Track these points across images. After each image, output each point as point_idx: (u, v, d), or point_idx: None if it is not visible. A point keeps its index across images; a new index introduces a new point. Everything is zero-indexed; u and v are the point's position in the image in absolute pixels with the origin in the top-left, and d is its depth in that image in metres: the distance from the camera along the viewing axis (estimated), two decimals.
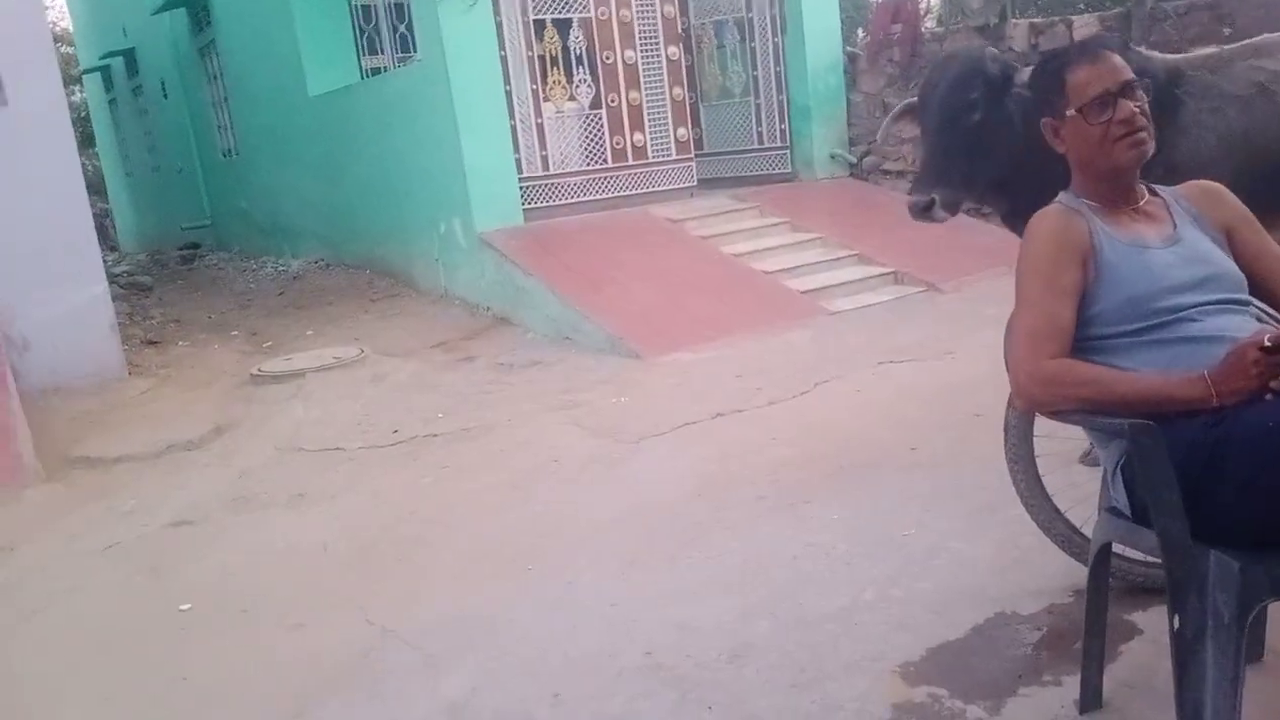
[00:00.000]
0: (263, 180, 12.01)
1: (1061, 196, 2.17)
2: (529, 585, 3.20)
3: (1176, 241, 2.06)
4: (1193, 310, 1.99)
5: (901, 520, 3.30)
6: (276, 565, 3.66)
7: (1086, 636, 2.21)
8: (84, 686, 2.94)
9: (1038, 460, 2.73)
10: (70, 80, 16.01)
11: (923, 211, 3.22)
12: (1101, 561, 2.17)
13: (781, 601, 2.85)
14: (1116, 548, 2.17)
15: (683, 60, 9.07)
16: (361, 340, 7.17)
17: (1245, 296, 2.05)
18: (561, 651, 2.74)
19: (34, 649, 3.25)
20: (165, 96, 14.71)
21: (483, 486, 4.22)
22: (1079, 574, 2.51)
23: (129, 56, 15.74)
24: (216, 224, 14.14)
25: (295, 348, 7.25)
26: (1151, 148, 2.08)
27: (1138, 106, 2.06)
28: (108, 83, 17.39)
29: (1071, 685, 2.23)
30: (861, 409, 4.59)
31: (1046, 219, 2.09)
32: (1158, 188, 2.19)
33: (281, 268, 11.13)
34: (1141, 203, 2.13)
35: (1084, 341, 2.01)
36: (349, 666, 2.81)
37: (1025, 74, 3.09)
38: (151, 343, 7.99)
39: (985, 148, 3.21)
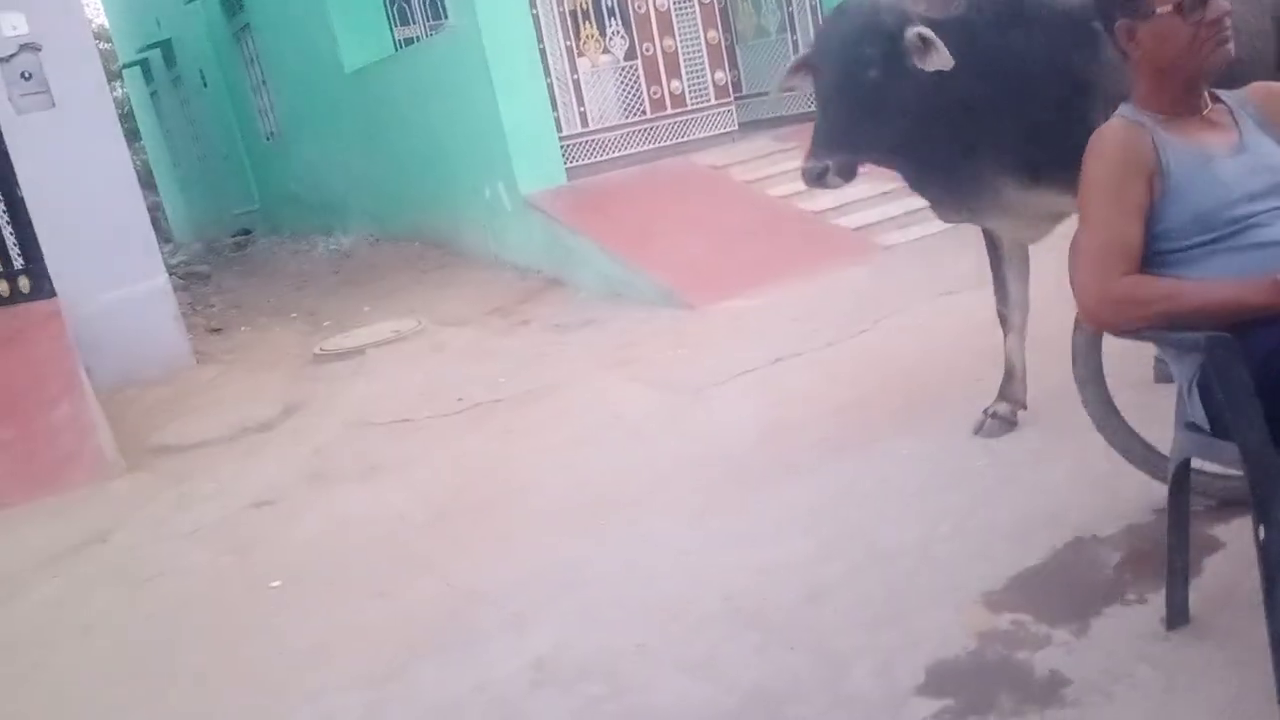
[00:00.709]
0: (307, 160, 12.12)
1: (1122, 109, 2.12)
2: (604, 539, 3.25)
3: (1243, 150, 2.01)
4: (1263, 215, 1.94)
5: (972, 451, 3.28)
6: (357, 537, 3.75)
7: (1170, 553, 2.20)
8: (188, 655, 3.07)
9: (1107, 381, 2.69)
10: (111, 76, 16.21)
11: (816, 179, 2.97)
12: (1181, 477, 2.15)
13: (855, 540, 2.87)
14: (1196, 462, 2.15)
15: (715, 2, 8.95)
16: (418, 312, 7.25)
17: None
18: (640, 601, 2.79)
19: (138, 626, 3.38)
20: (205, 85, 14.86)
21: (549, 446, 4.28)
22: (1158, 493, 2.48)
23: (166, 48, 15.91)
24: (265, 207, 14.32)
25: (354, 324, 7.35)
26: (1234, 51, 2.02)
27: (1226, 6, 1.99)
28: (147, 75, 17.60)
29: (1156, 603, 2.22)
30: (923, 343, 4.55)
31: (1109, 134, 2.05)
32: (1221, 93, 2.13)
33: (333, 246, 11.25)
34: (1206, 111, 2.07)
35: (1153, 255, 1.98)
36: (438, 628, 2.88)
37: (916, 29, 2.87)
38: (215, 330, 8.15)
39: (884, 109, 2.95)
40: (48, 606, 3.71)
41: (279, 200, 13.62)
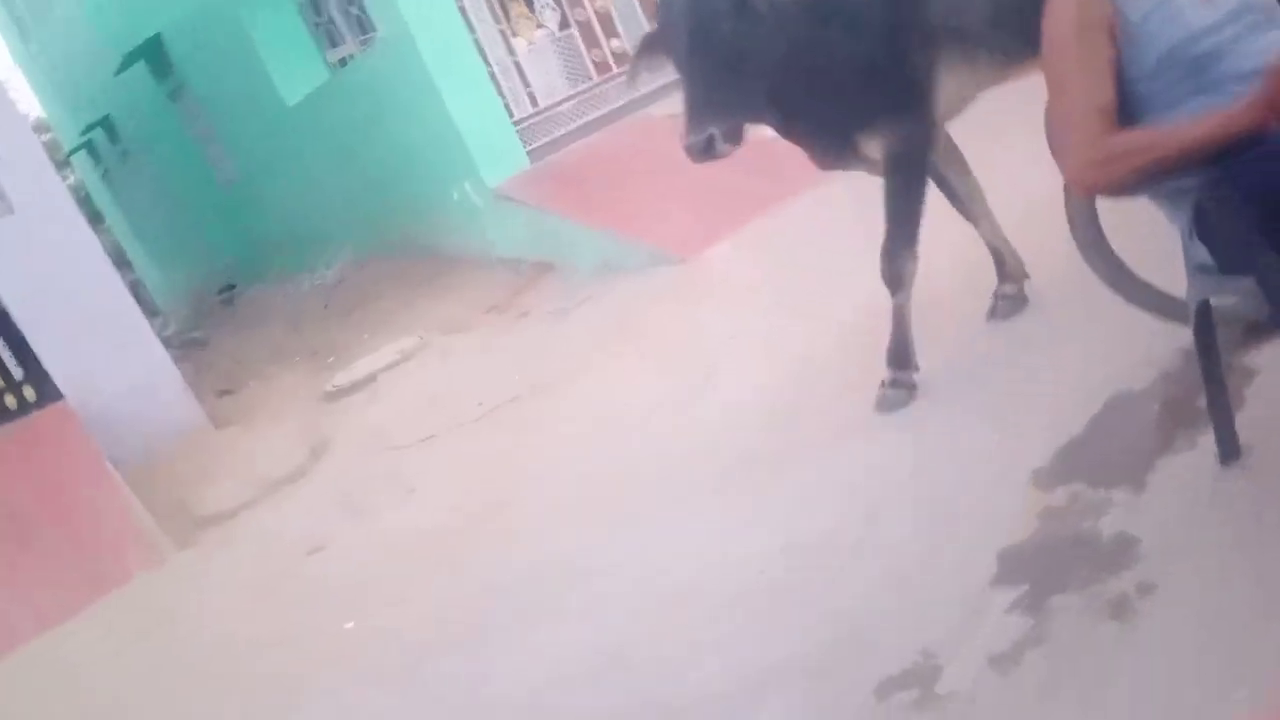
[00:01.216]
0: (272, 201, 12.06)
1: None
2: (633, 527, 3.25)
3: None
4: (1226, 44, 1.93)
5: (989, 339, 3.27)
6: (409, 564, 3.78)
7: (1208, 392, 2.21)
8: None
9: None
10: (59, 165, 16.14)
11: (704, 152, 2.87)
12: (1203, 317, 2.15)
13: (895, 489, 2.80)
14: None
15: None
16: (417, 327, 7.25)
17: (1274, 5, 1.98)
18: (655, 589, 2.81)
19: (227, 699, 3.44)
20: (152, 151, 14.78)
21: (569, 439, 4.28)
22: (1182, 337, 2.48)
23: (107, 125, 15.80)
24: (242, 257, 14.27)
25: (357, 354, 7.36)
26: None
27: None
28: (95, 156, 17.50)
29: (1206, 444, 2.23)
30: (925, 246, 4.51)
31: None
32: None
33: (318, 281, 11.23)
34: None
35: (1127, 106, 1.97)
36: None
37: None
38: (225, 392, 8.17)
39: (747, 61, 2.88)
40: (135, 695, 3.77)
41: (254, 247, 13.57)
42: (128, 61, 12.65)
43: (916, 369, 3.20)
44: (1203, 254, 2.05)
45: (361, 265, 10.63)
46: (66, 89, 16.62)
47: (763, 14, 2.82)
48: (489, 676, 2.77)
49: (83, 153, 17.64)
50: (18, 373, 6.43)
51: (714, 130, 2.84)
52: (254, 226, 13.15)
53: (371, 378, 6.50)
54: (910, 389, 3.18)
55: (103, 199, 18.92)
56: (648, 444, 3.94)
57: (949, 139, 3.36)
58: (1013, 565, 2.21)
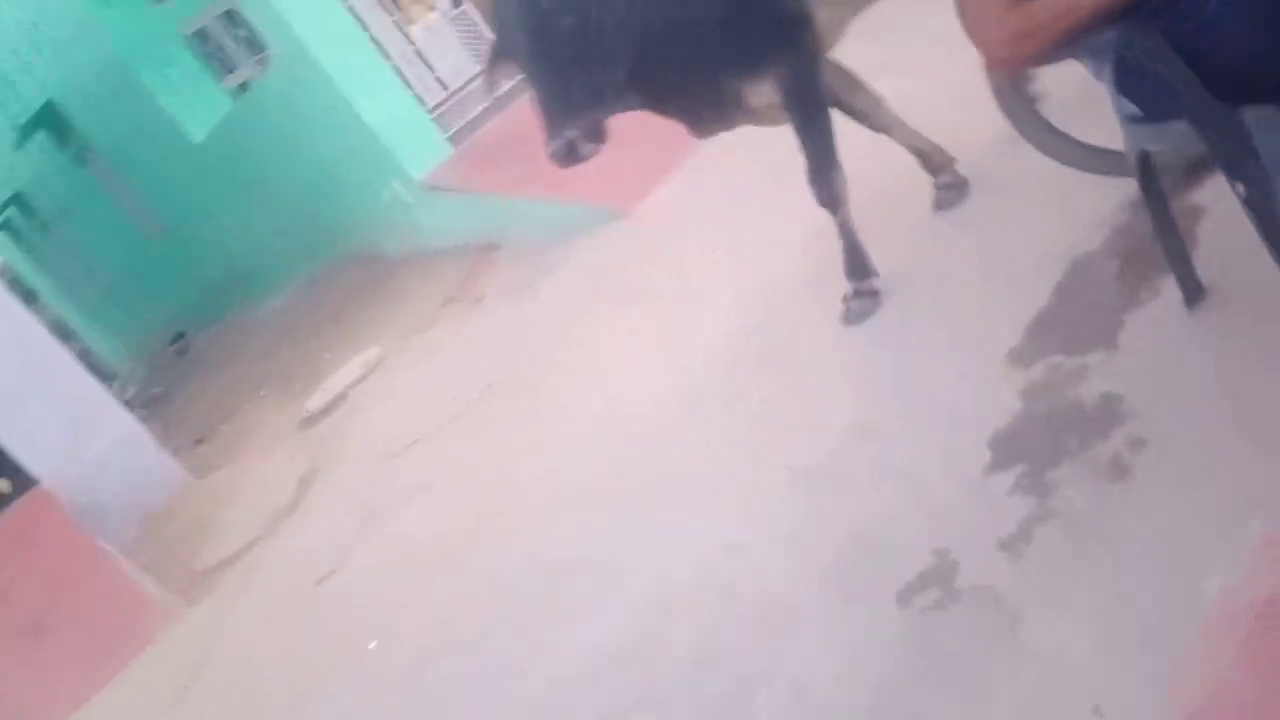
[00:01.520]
0: (203, 242, 11.87)
1: None
2: (634, 518, 3.19)
3: None
4: None
5: (936, 231, 3.26)
6: (423, 572, 3.76)
7: (1161, 239, 2.23)
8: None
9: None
10: None
11: (568, 156, 2.77)
12: (1144, 167, 2.16)
13: (878, 397, 2.81)
14: None
15: None
16: (377, 336, 7.18)
17: None
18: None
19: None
20: (71, 218, 14.47)
21: (550, 421, 4.22)
22: (1125, 189, 2.50)
23: (19, 202, 15.45)
24: (186, 304, 14.06)
25: (323, 376, 7.28)
26: None
27: None
28: (15, 235, 17.12)
29: (1169, 289, 2.25)
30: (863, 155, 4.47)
31: None
32: None
33: (266, 310, 11.10)
34: None
35: None
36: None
37: None
38: (199, 441, 8.09)
39: (594, 51, 2.76)
40: None
41: (196, 291, 13.37)
42: (25, 133, 12.35)
43: (876, 275, 3.19)
44: (1130, 106, 2.05)
45: (307, 286, 10.50)
46: None
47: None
48: (516, 674, 2.78)
49: (2, 234, 17.26)
50: None
51: (571, 133, 2.73)
52: (191, 271, 12.95)
53: (343, 395, 6.45)
54: (874, 296, 3.17)
55: (33, 276, 18.54)
56: (634, 403, 3.89)
57: (830, 62, 3.29)
58: (1005, 449, 2.23)
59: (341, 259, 9.70)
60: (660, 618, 2.61)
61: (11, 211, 16.04)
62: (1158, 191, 2.20)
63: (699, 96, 3.07)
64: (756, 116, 3.16)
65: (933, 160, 3.38)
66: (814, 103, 3.07)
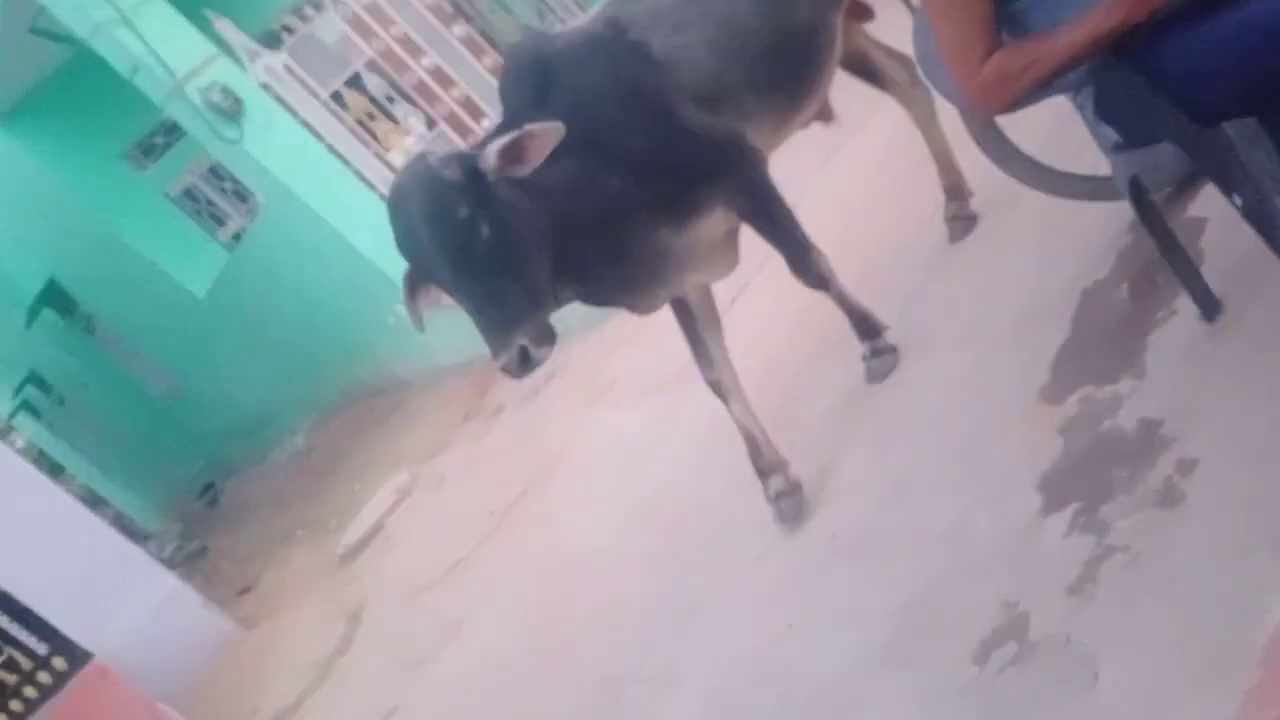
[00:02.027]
0: (215, 394, 11.98)
1: None
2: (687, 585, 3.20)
3: None
4: None
5: (952, 297, 3.24)
6: (482, 708, 3.72)
7: (1168, 258, 2.23)
8: None
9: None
10: (3, 434, 15.96)
11: (521, 366, 2.62)
12: (1136, 191, 2.18)
13: (914, 454, 2.77)
14: None
15: (473, 30, 8.89)
16: (403, 462, 7.19)
17: None
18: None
19: None
20: (86, 388, 14.65)
21: (591, 516, 4.21)
22: (1121, 211, 2.51)
23: (35, 380, 15.65)
24: (209, 456, 14.14)
25: (356, 508, 7.28)
26: None
27: None
28: (34, 412, 17.30)
29: (1186, 306, 2.24)
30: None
31: None
32: None
33: (289, 449, 11.15)
34: None
35: (1006, 18, 1.95)
36: None
37: (489, 145, 2.63)
38: (244, 590, 8.06)
39: (521, 250, 2.64)
40: None
41: (217, 442, 13.45)
42: (33, 313, 12.60)
43: (887, 328, 3.18)
44: (1113, 134, 2.08)
45: (326, 422, 10.57)
46: None
47: (513, 196, 2.62)
48: None
49: (21, 414, 17.44)
50: (41, 649, 6.34)
51: (522, 341, 2.59)
52: (209, 422, 13.05)
53: (379, 526, 6.44)
54: (892, 351, 3.14)
55: (56, 450, 18.69)
56: (665, 494, 3.88)
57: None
58: (1054, 489, 2.21)
59: (354, 391, 9.77)
60: (726, 714, 2.57)
61: (29, 390, 16.23)
62: (1155, 213, 2.21)
63: (635, 265, 2.93)
64: (700, 263, 3.04)
65: (764, 455, 3.09)
66: (771, 202, 3.03)
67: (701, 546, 3.26)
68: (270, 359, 10.39)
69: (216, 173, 9.65)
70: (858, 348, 3.17)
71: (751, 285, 4.18)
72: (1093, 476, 2.14)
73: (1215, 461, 1.96)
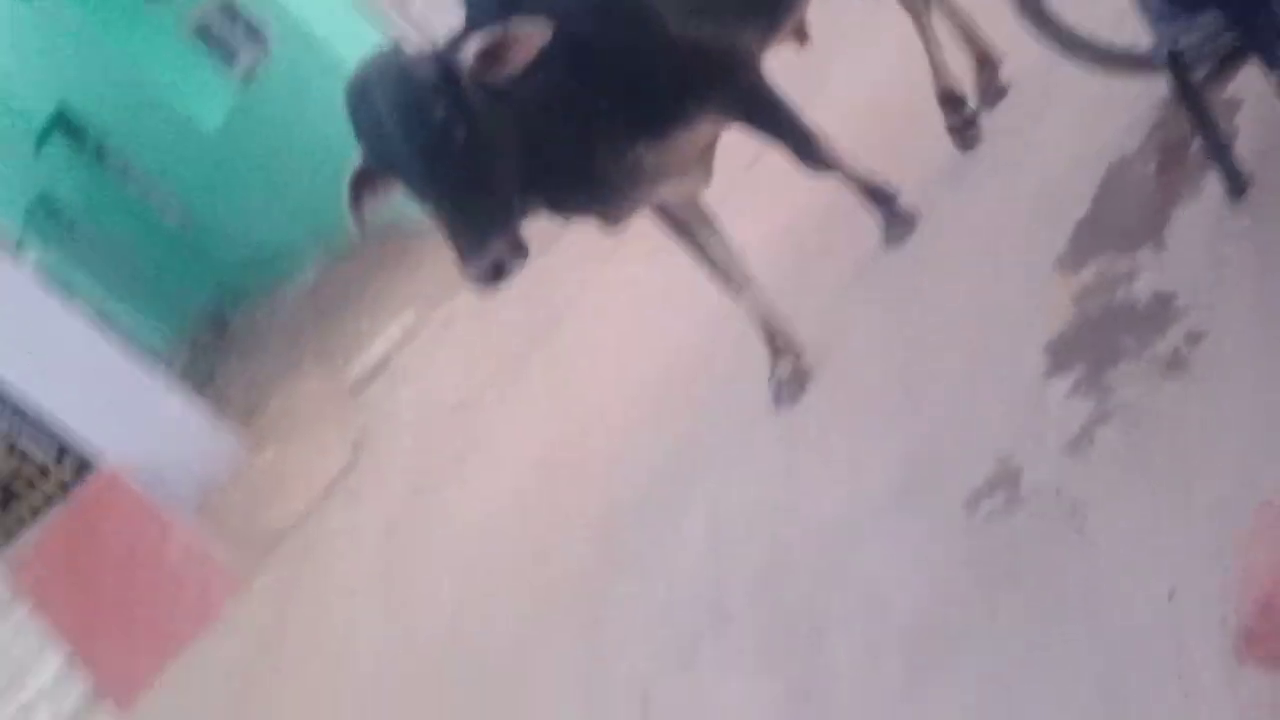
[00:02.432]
0: (225, 228, 11.97)
1: None
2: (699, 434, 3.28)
3: None
4: None
5: (980, 165, 3.21)
6: (492, 529, 3.87)
7: (1200, 133, 2.24)
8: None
9: None
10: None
11: (495, 275, 2.46)
12: (1177, 65, 2.17)
13: (926, 313, 2.81)
14: None
15: None
16: (410, 301, 7.25)
17: None
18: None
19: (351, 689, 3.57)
20: (97, 216, 14.61)
21: (600, 365, 4.29)
22: (1156, 87, 2.49)
23: (44, 204, 15.59)
24: (219, 289, 14.20)
25: (366, 342, 7.38)
26: None
27: None
28: (44, 237, 17.30)
29: (1212, 183, 2.26)
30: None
31: None
32: None
33: (298, 286, 11.20)
34: None
35: None
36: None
37: (466, 45, 2.47)
38: (249, 415, 8.24)
39: (491, 159, 2.50)
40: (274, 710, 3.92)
41: (227, 274, 13.50)
42: (43, 137, 12.51)
43: (899, 194, 3.08)
44: (1159, 2, 2.07)
45: (336, 260, 10.58)
46: None
47: (482, 105, 2.48)
48: (589, 625, 2.87)
49: (32, 236, 17.43)
50: (52, 455, 6.54)
51: (499, 248, 2.44)
52: (220, 254, 13.08)
53: (385, 361, 6.55)
54: (908, 218, 3.06)
55: (67, 273, 18.73)
56: (677, 336, 3.92)
57: None
58: (1061, 353, 2.27)
59: (372, 224, 9.73)
60: (726, 542, 2.70)
61: (36, 213, 16.20)
62: (1193, 89, 2.21)
63: (608, 180, 2.81)
64: (675, 177, 2.93)
65: (780, 346, 3.07)
66: (771, 103, 2.93)
67: (710, 397, 3.35)
68: (282, 195, 10.35)
69: (230, 9, 9.45)
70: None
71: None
72: (1100, 342, 2.20)
73: (1223, 334, 2.02)
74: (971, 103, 3.28)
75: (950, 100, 3.27)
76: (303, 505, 5.61)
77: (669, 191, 2.98)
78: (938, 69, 3.28)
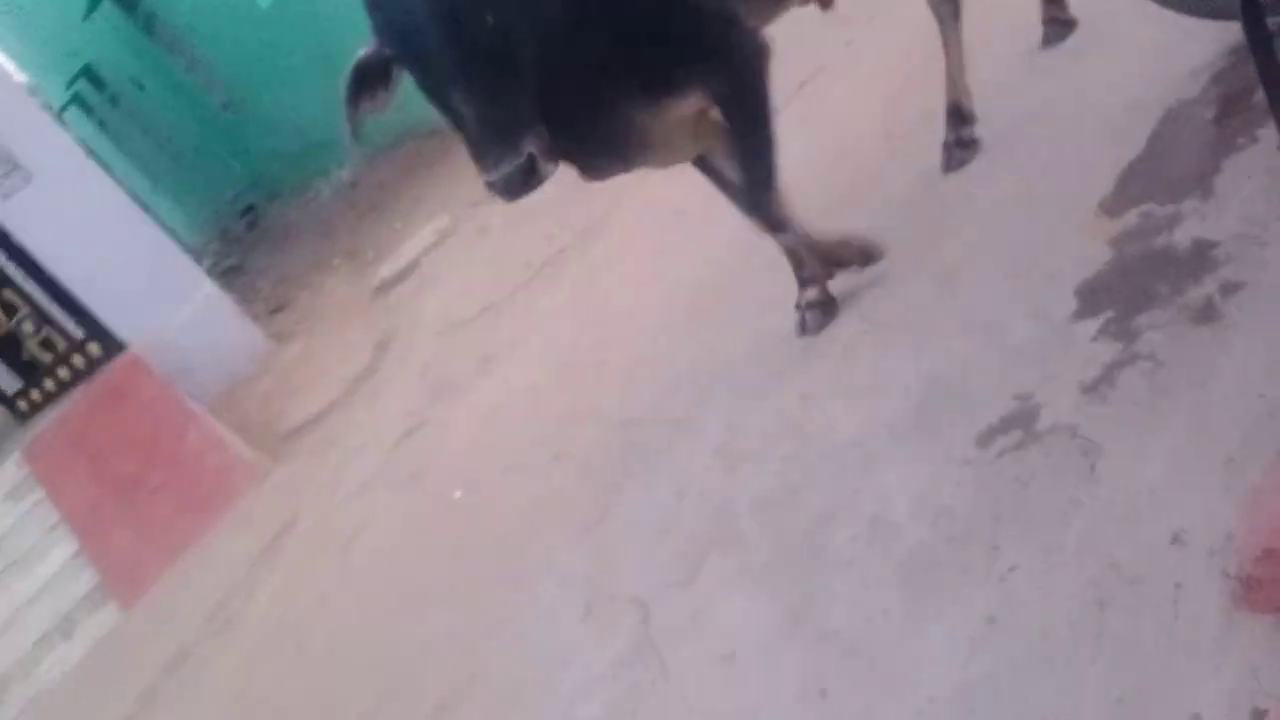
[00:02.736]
0: (270, 114, 11.91)
1: None
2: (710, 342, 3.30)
3: None
4: None
5: (1039, 101, 3.13)
6: (504, 426, 3.90)
7: (1265, 82, 2.16)
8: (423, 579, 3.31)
9: None
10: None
11: (525, 180, 2.24)
12: (1250, 8, 2.09)
13: (964, 248, 2.77)
14: None
15: None
16: (447, 205, 7.23)
17: None
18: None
19: (361, 582, 3.64)
20: (141, 90, 14.59)
21: (623, 276, 4.28)
22: (1225, 34, 2.42)
23: (89, 74, 15.58)
24: (254, 178, 14.22)
25: (395, 244, 7.39)
26: None
27: None
28: (86, 109, 17.30)
29: (1269, 135, 2.20)
30: None
31: None
32: None
33: (333, 182, 11.20)
34: None
35: None
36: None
37: None
38: (276, 309, 8.30)
39: (519, 54, 2.26)
40: (279, 599, 4.01)
41: (264, 163, 13.50)
42: (93, 3, 12.41)
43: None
44: None
45: (374, 158, 10.55)
46: (39, 47, 16.35)
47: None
48: (595, 523, 2.90)
49: (73, 108, 17.45)
50: (78, 332, 6.59)
51: (531, 148, 2.21)
52: (260, 143, 13.06)
53: (415, 264, 6.55)
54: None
55: (104, 150, 18.79)
56: (696, 255, 3.90)
57: None
58: (1092, 296, 2.24)
59: (408, 129, 9.69)
60: (737, 461, 2.70)
61: (81, 84, 16.19)
62: (1263, 34, 2.13)
63: (595, 130, 2.61)
64: (661, 150, 2.76)
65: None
66: (756, 108, 2.68)
67: (736, 314, 3.34)
68: (328, 84, 10.14)
69: None
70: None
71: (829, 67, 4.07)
72: (1135, 288, 2.17)
73: (1261, 288, 1.98)
74: (977, 128, 3.09)
75: (957, 114, 3.10)
76: (324, 403, 5.65)
77: (658, 161, 2.82)
78: (953, 80, 3.10)
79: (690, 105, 2.68)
